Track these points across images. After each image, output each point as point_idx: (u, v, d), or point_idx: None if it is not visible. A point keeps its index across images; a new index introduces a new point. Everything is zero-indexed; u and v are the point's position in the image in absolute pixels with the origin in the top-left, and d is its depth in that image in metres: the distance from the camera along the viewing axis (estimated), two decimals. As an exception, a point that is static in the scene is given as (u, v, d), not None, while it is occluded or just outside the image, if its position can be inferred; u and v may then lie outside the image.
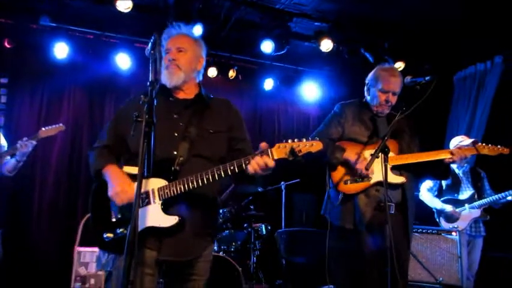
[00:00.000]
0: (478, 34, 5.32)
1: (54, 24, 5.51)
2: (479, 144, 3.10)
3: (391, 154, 3.05)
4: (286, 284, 5.09)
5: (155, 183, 2.18)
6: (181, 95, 2.43)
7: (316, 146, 2.15)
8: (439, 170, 3.15)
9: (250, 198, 5.59)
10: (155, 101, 1.97)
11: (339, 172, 3.07)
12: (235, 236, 5.23)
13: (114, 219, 2.25)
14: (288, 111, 7.82)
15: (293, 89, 7.42)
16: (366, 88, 3.30)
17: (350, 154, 3.02)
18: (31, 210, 5.79)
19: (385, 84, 3.11)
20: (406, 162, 3.04)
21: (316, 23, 5.70)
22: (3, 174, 4.17)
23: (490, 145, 3.09)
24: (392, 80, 3.10)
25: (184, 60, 2.36)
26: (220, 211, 5.29)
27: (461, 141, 4.73)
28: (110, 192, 2.19)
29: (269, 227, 5.54)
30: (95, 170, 2.32)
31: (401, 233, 3.07)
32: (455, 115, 6.18)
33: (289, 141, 2.13)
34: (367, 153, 3.04)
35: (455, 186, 4.85)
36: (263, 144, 2.13)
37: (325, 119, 3.35)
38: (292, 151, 2.11)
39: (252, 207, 5.54)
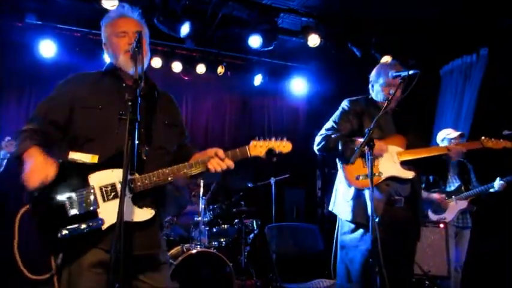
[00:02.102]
0: (463, 27, 5.37)
1: (40, 22, 5.47)
2: (484, 138, 3.13)
3: (399, 149, 3.13)
4: (276, 279, 5.11)
5: (119, 175, 1.96)
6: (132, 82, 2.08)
7: (286, 147, 2.21)
8: (437, 166, 3.23)
9: (241, 194, 5.62)
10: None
11: (351, 167, 3.12)
12: (226, 231, 5.26)
13: (71, 214, 1.98)
14: (277, 106, 7.87)
15: (282, 84, 7.49)
16: (370, 85, 3.38)
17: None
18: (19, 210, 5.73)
19: (386, 79, 3.18)
20: (413, 158, 3.10)
21: (303, 19, 5.72)
22: None
23: (493, 139, 3.12)
24: None
25: (143, 46, 2.15)
26: (211, 207, 5.32)
27: (448, 134, 4.79)
28: (24, 172, 1.92)
29: (259, 222, 5.57)
30: (16, 156, 2.04)
31: (411, 226, 3.17)
32: (443, 108, 6.22)
33: (262, 140, 2.17)
34: None
35: (443, 179, 4.90)
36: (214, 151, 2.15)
37: (333, 115, 3.39)
38: (269, 151, 2.15)
39: (242, 203, 5.57)
